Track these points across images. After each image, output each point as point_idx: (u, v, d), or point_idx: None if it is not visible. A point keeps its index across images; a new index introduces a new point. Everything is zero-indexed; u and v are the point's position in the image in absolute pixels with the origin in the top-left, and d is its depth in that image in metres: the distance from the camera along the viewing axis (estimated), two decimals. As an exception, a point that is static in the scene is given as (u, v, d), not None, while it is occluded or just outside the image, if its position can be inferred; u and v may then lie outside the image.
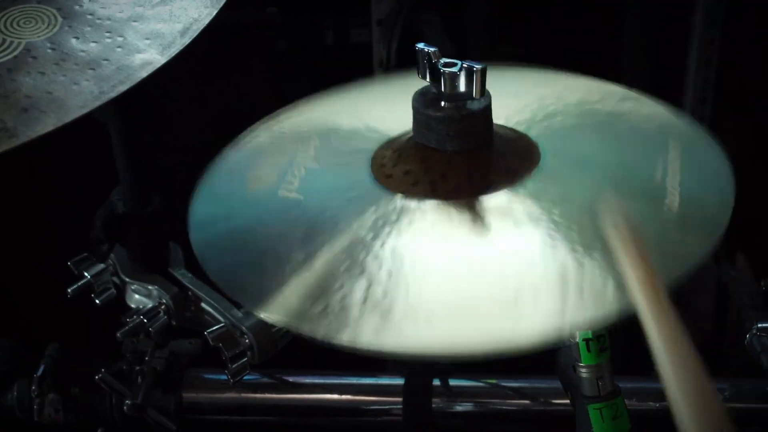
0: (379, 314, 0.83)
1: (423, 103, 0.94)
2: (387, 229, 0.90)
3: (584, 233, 0.88)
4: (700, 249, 0.89)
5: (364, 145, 1.01)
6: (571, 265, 0.85)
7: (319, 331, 0.83)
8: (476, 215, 0.91)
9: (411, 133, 0.98)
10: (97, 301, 1.20)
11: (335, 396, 1.28)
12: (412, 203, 0.92)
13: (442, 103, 0.93)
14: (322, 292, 0.85)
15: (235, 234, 0.94)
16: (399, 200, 0.92)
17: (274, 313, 0.85)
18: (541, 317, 0.82)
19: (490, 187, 0.93)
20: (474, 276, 0.86)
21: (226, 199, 0.99)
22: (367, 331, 0.82)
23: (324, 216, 0.92)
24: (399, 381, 1.27)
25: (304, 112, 1.11)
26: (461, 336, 0.82)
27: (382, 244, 0.88)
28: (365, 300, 0.84)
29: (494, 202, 0.91)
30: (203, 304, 1.17)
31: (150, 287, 1.20)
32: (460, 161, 0.94)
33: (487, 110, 0.95)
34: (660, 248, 0.88)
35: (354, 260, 0.87)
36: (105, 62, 0.90)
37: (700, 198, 0.95)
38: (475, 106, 0.93)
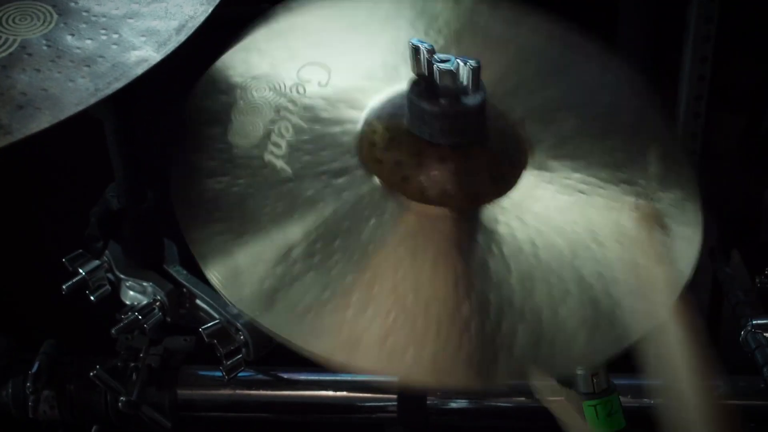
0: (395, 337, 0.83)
1: (418, 93, 0.93)
2: (370, 223, 0.89)
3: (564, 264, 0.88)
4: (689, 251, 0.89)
5: (354, 105, 0.99)
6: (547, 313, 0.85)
7: (281, 327, 0.82)
8: (467, 227, 0.90)
9: (401, 103, 0.97)
10: (91, 298, 1.20)
11: (330, 393, 1.28)
12: (403, 203, 0.91)
13: (438, 98, 0.93)
14: (291, 283, 0.84)
15: (222, 200, 0.91)
16: (390, 198, 0.91)
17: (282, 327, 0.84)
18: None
19: (478, 197, 0.92)
20: (468, 295, 0.86)
21: (209, 147, 0.96)
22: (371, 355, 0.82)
23: (309, 200, 0.91)
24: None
25: (281, 34, 1.07)
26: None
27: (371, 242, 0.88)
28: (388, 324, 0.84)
29: (484, 216, 0.91)
30: (198, 301, 1.17)
31: (145, 284, 1.20)
32: (451, 161, 0.93)
33: (482, 106, 0.94)
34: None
35: (331, 252, 0.87)
36: (100, 59, 0.90)
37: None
38: (470, 101, 0.93)
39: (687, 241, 0.94)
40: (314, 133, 0.97)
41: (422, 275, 0.86)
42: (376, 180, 0.92)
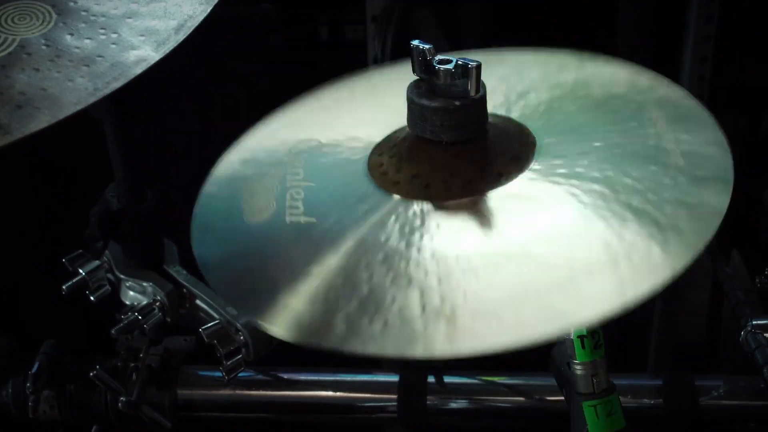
0: (444, 320, 0.82)
1: (417, 93, 0.94)
2: (417, 235, 0.89)
3: (611, 204, 0.89)
4: (719, 200, 0.89)
5: (352, 155, 1.01)
6: (612, 238, 0.85)
7: (388, 347, 0.82)
8: (501, 205, 0.91)
9: (398, 137, 0.98)
10: (91, 298, 1.20)
11: (330, 393, 1.28)
12: (432, 205, 0.92)
13: (438, 95, 0.93)
14: (377, 309, 0.84)
15: (257, 272, 0.92)
16: (416, 205, 0.92)
17: (336, 342, 0.83)
18: (600, 291, 0.82)
19: (502, 175, 0.93)
20: (521, 263, 0.86)
21: (230, 237, 0.97)
22: (439, 340, 0.81)
23: (346, 234, 0.92)
24: (393, 378, 1.27)
25: (269, 132, 1.10)
26: (530, 325, 0.81)
27: (419, 250, 0.88)
28: (424, 309, 0.84)
29: (513, 189, 0.92)
30: (198, 301, 1.17)
31: (145, 284, 1.20)
32: (464, 155, 0.94)
33: (482, 100, 0.95)
34: (684, 207, 0.89)
35: (396, 271, 0.87)
36: (99, 59, 0.90)
37: (697, 149, 0.96)
38: (470, 94, 0.94)
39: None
40: (323, 182, 0.99)
41: (476, 257, 0.87)
42: (400, 198, 0.93)
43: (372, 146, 1.01)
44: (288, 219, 0.95)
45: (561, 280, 0.83)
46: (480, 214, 0.90)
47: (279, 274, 0.91)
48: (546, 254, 0.86)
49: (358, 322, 0.83)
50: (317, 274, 0.89)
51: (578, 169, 0.94)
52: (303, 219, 0.95)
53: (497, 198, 0.92)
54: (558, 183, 0.92)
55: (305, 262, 0.90)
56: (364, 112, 1.08)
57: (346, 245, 0.90)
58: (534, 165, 0.94)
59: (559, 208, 0.89)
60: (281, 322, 0.86)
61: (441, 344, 0.81)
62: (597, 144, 0.97)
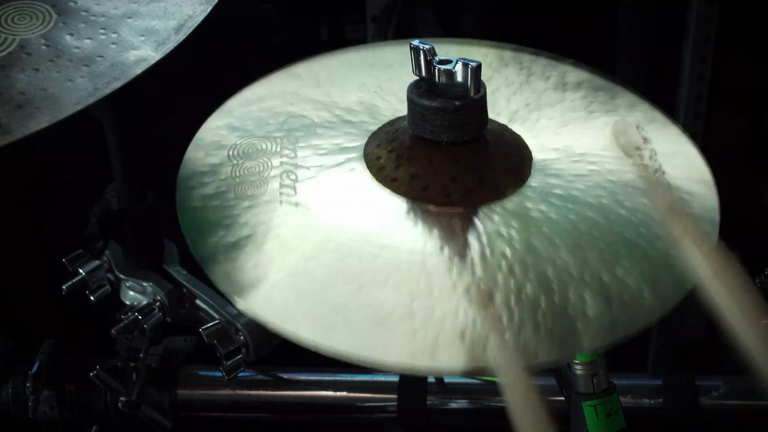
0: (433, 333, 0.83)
1: (417, 93, 0.94)
2: (419, 244, 0.89)
3: (605, 235, 0.90)
4: (710, 228, 0.90)
5: (346, 141, 1.00)
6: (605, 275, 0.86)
7: None
8: (501, 218, 0.91)
9: (397, 130, 0.98)
10: (91, 298, 1.20)
11: (330, 393, 1.28)
12: (433, 209, 0.92)
13: (438, 95, 0.93)
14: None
15: (254, 254, 0.90)
16: (417, 210, 0.92)
17: None
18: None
19: (500, 187, 0.93)
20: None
21: (219, 213, 0.95)
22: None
23: (348, 231, 0.91)
24: (394, 378, 1.27)
25: (258, 99, 1.08)
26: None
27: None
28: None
29: (511, 206, 0.92)
30: (198, 301, 1.17)
31: (144, 284, 1.20)
32: (464, 158, 0.93)
33: (482, 100, 0.94)
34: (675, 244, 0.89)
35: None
36: (99, 59, 0.90)
37: (685, 186, 0.97)
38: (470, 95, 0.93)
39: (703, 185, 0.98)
40: (320, 170, 0.98)
41: (475, 269, 0.87)
42: (398, 197, 0.93)
43: (367, 133, 1.00)
44: (282, 202, 0.94)
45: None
46: (475, 227, 0.90)
47: (268, 257, 0.89)
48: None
49: (335, 314, 0.84)
50: (301, 255, 0.88)
51: (574, 192, 0.94)
52: (297, 203, 0.95)
53: (493, 211, 0.91)
54: (554, 205, 0.92)
55: (293, 243, 0.89)
56: (359, 92, 1.07)
57: (338, 240, 0.89)
58: (531, 182, 0.95)
59: (555, 234, 0.89)
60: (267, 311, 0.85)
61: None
62: (592, 167, 0.97)
